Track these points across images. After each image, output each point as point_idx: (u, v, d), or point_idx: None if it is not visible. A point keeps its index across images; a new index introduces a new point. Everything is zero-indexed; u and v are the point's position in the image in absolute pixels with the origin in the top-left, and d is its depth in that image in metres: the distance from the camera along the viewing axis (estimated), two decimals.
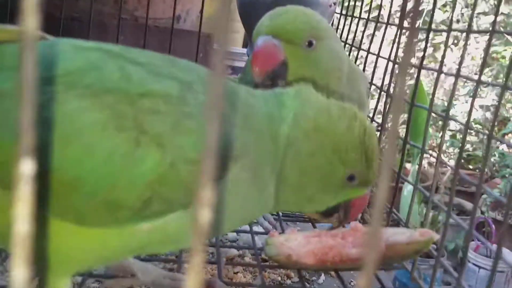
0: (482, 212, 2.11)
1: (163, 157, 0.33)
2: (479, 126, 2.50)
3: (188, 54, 1.35)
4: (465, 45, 0.55)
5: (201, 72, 0.39)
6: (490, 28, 0.51)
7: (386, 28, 0.79)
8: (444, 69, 0.61)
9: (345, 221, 0.46)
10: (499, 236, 1.97)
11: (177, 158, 0.33)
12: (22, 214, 0.18)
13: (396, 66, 0.74)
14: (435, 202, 0.58)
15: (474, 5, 0.54)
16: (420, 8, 0.82)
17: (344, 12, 1.07)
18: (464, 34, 2.63)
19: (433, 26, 0.61)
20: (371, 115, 0.81)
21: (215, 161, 0.18)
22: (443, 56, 0.57)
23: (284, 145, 0.41)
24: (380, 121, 0.77)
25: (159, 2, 1.35)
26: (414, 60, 0.78)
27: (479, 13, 2.75)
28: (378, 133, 0.77)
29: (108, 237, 0.35)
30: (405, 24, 0.75)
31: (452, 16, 0.56)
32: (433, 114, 0.62)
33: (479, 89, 2.56)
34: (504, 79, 0.46)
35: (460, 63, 0.55)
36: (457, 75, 0.55)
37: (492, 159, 2.35)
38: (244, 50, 1.57)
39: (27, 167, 0.18)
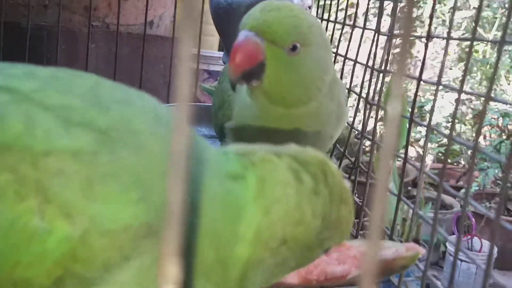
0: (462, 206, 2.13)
1: (72, 231, 0.27)
2: (456, 121, 2.52)
3: (162, 60, 1.32)
4: (445, 53, 0.54)
5: (126, 110, 0.32)
6: (472, 28, 0.50)
7: (362, 33, 0.78)
8: (419, 63, 0.59)
9: None
10: (490, 235, 2.00)
11: (89, 231, 0.28)
12: None
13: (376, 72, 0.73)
14: (420, 215, 0.57)
15: (454, 9, 0.53)
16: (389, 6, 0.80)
17: (320, 11, 1.05)
18: (440, 27, 2.62)
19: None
20: (350, 122, 0.80)
21: (180, 230, 0.16)
22: (422, 65, 0.56)
23: (241, 267, 0.33)
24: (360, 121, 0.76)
25: (130, 8, 1.32)
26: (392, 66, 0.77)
27: (451, 7, 2.77)
28: (358, 141, 0.75)
29: None
30: (383, 28, 0.74)
31: (430, 25, 0.55)
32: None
33: (455, 82, 2.58)
34: (487, 90, 0.45)
35: (441, 72, 0.54)
36: (438, 83, 0.54)
37: (469, 152, 2.38)
38: (220, 54, 1.55)
39: None
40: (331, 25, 0.97)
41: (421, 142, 2.49)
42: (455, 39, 0.54)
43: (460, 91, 0.49)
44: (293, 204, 0.34)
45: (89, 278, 0.29)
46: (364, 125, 0.72)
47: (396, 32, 0.67)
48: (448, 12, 2.63)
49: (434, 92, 0.55)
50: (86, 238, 0.28)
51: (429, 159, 2.62)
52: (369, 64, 0.74)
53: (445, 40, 0.55)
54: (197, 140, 0.35)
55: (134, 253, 0.29)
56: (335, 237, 0.37)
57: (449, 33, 0.53)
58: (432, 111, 0.55)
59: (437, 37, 0.58)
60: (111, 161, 0.29)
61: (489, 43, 2.47)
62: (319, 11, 1.06)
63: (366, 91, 0.75)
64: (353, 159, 0.82)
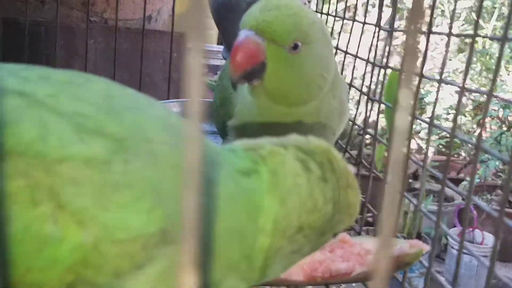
0: (463, 199, 2.13)
1: (84, 238, 0.27)
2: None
3: (161, 55, 1.32)
4: (447, 49, 0.54)
5: (138, 118, 0.32)
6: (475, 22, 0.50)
7: (363, 27, 0.77)
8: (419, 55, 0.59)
9: None
10: (495, 232, 2.00)
11: (101, 239, 0.28)
12: None
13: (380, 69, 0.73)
14: (423, 211, 0.57)
15: (454, 10, 0.53)
16: None
17: (319, 2, 1.04)
18: (440, 18, 2.60)
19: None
20: (352, 118, 0.79)
21: (198, 239, 0.16)
22: (423, 61, 0.56)
23: (263, 257, 0.35)
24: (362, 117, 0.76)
25: (129, 3, 1.31)
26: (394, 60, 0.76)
27: None
28: (360, 137, 0.75)
29: None
30: (383, 24, 0.73)
31: (431, 18, 0.55)
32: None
33: (455, 73, 2.57)
34: (489, 88, 0.44)
35: (442, 69, 0.53)
36: (440, 80, 0.53)
37: (469, 145, 2.38)
38: (220, 48, 1.54)
39: None
40: (331, 18, 0.97)
41: (421, 134, 2.49)
42: (457, 35, 0.54)
43: (462, 88, 0.49)
44: (305, 192, 0.36)
45: (101, 284, 0.29)
46: (366, 120, 0.71)
47: (396, 25, 0.67)
48: (448, 2, 2.62)
49: (434, 85, 0.55)
50: (98, 246, 0.28)
51: (429, 151, 2.61)
52: (370, 58, 0.74)
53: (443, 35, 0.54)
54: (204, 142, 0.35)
55: (146, 261, 0.29)
56: (345, 220, 0.39)
57: (450, 28, 0.53)
58: (434, 108, 0.55)
59: (438, 33, 0.58)
60: (124, 170, 0.29)
61: (490, 33, 2.46)
62: (318, 2, 1.06)
63: (366, 84, 0.75)
64: (354, 153, 0.81)
